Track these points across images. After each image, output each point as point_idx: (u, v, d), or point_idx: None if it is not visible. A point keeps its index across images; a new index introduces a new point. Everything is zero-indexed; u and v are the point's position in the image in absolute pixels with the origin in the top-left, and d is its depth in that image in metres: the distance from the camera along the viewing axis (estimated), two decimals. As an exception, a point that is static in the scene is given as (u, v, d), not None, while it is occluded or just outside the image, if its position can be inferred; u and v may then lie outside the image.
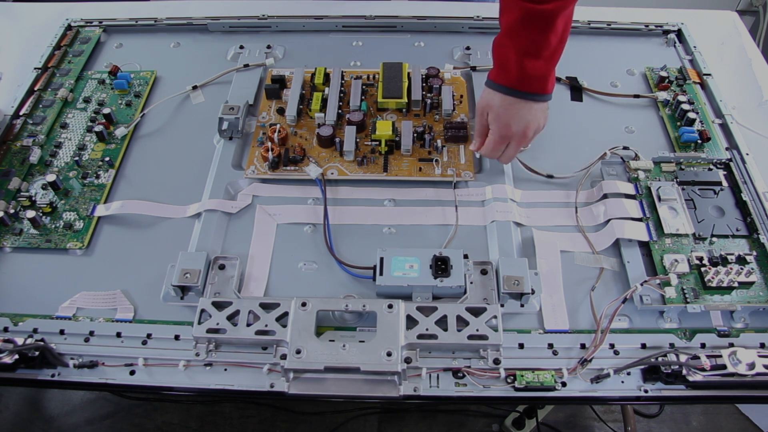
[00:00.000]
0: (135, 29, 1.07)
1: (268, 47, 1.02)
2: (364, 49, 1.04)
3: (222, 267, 0.72)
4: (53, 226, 0.78)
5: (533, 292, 0.68)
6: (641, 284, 0.68)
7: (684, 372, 0.62)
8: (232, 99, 0.91)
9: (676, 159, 0.83)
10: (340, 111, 0.88)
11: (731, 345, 0.65)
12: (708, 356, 0.62)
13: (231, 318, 0.65)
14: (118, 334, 0.67)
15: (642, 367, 0.64)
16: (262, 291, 0.72)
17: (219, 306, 0.66)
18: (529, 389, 0.63)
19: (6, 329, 0.68)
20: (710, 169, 0.82)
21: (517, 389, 0.63)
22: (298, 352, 0.62)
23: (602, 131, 0.89)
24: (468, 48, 1.01)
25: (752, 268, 0.71)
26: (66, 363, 0.65)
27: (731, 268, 0.70)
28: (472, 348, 0.64)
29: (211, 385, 0.64)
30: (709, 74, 0.96)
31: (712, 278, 0.69)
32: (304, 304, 0.65)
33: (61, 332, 0.67)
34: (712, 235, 0.75)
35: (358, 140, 0.84)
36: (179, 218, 0.79)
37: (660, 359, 0.62)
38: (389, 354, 0.62)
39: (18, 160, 0.85)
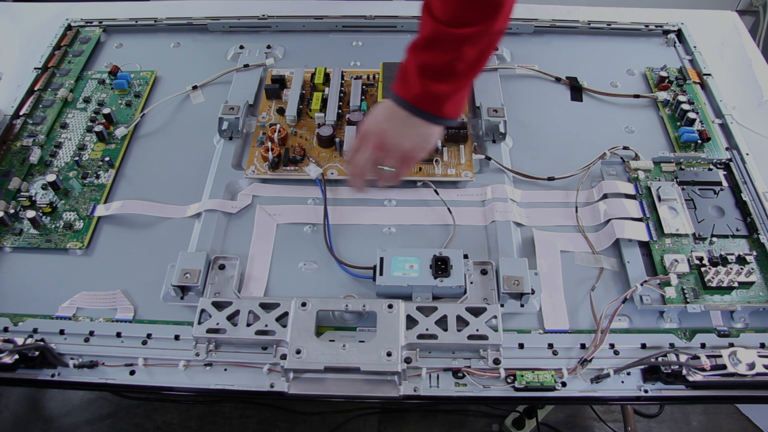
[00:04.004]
0: (135, 29, 1.07)
1: (268, 47, 1.02)
2: (364, 49, 1.04)
3: (222, 267, 0.72)
4: (53, 226, 0.78)
5: (533, 292, 0.68)
6: (641, 284, 0.68)
7: (684, 372, 0.61)
8: (232, 99, 0.91)
9: (676, 159, 0.83)
10: (340, 111, 0.88)
11: (731, 345, 0.65)
12: (708, 356, 0.62)
13: (231, 318, 0.65)
14: (118, 334, 0.67)
15: (642, 367, 0.64)
16: (262, 291, 0.72)
17: (219, 306, 0.66)
18: (529, 389, 0.62)
19: (6, 329, 0.68)
20: (710, 169, 0.82)
21: (517, 389, 0.63)
22: (298, 352, 0.62)
23: (602, 131, 0.89)
24: (468, 48, 1.01)
25: (752, 268, 0.71)
26: (66, 363, 0.65)
27: (731, 268, 0.70)
28: (472, 348, 0.64)
29: (211, 385, 0.64)
30: (709, 74, 0.96)
31: (712, 278, 0.69)
32: (304, 304, 0.65)
33: (61, 332, 0.67)
34: (712, 235, 0.74)
35: (358, 140, 0.84)
36: (179, 218, 0.79)
37: (660, 359, 0.62)
38: (389, 354, 0.61)
39: (18, 160, 0.85)
